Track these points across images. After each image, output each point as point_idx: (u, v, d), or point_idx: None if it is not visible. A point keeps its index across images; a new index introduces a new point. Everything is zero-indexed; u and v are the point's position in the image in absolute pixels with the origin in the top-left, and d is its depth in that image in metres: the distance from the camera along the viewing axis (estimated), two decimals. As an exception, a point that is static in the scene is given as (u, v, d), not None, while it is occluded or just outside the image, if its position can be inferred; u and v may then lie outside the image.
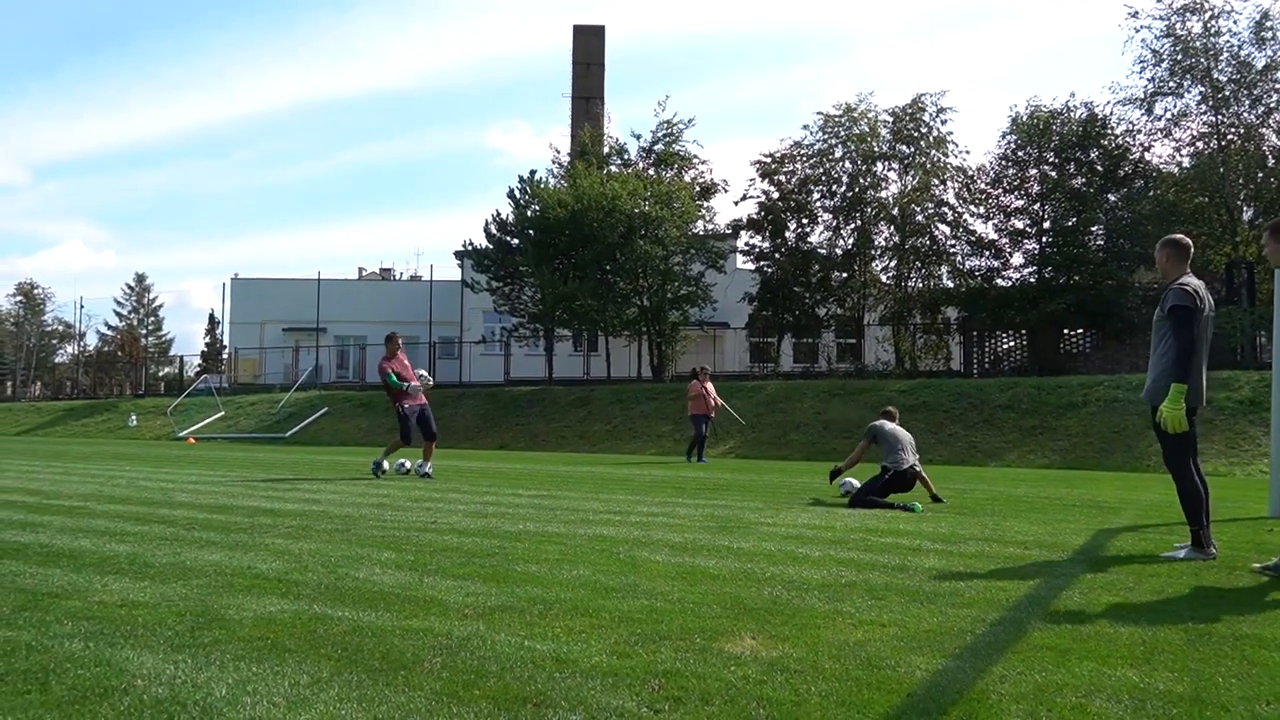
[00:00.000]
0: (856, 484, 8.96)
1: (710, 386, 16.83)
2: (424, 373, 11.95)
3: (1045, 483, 12.00)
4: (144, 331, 64.45)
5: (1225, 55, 24.45)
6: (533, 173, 31.13)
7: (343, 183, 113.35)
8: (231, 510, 7.66)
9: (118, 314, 65.12)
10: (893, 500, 8.18)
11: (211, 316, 64.38)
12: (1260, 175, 24.71)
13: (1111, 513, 8.02)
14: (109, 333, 63.73)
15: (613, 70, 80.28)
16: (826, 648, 3.30)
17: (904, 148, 29.53)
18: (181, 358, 50.51)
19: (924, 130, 29.37)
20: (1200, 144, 25.56)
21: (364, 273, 50.52)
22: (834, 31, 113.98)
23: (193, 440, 27.53)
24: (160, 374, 59.02)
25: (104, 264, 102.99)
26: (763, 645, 3.33)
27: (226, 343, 47.25)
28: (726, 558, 5.29)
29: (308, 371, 37.62)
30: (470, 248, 32.12)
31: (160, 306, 68.38)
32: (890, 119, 29.42)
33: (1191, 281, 5.46)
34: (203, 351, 60.35)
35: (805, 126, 32.48)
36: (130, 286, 65.92)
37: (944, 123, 29.39)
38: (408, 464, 12.12)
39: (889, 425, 8.72)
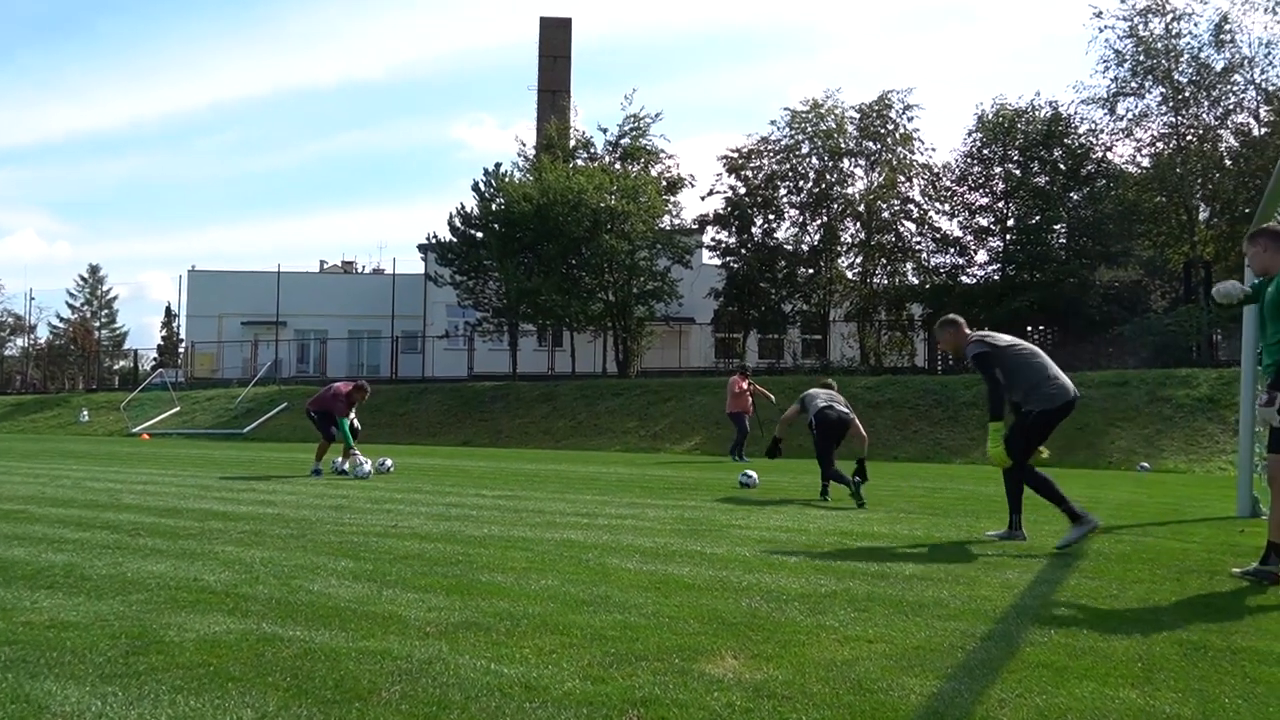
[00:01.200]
0: (755, 475, 10.16)
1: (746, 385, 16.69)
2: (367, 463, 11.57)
3: (1013, 481, 11.97)
4: (97, 324, 62.75)
5: (1185, 57, 24.82)
6: (498, 166, 30.63)
7: (305, 174, 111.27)
8: (181, 514, 7.32)
9: (70, 305, 63.23)
10: (844, 473, 8.47)
11: (168, 309, 63.03)
12: (1217, 176, 25.11)
13: (1084, 513, 7.94)
14: (61, 325, 61.98)
15: (580, 64, 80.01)
16: (813, 668, 3.10)
17: (870, 144, 29.60)
18: (136, 351, 49.44)
19: (890, 127, 29.47)
20: (1160, 144, 25.93)
21: (325, 265, 49.67)
22: (803, 29, 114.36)
23: (146, 436, 26.78)
24: (114, 368, 57.62)
25: (57, 255, 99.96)
26: (745, 666, 3.13)
27: (183, 336, 46.20)
28: (700, 564, 5.10)
29: (266, 366, 36.87)
30: (434, 241, 31.58)
31: (115, 299, 66.37)
32: (857, 115, 29.48)
33: (976, 334, 6.34)
34: (159, 345, 59.04)
35: (773, 122, 32.56)
36: (84, 278, 64.07)
37: (910, 120, 29.58)
38: (367, 465, 11.73)
39: (813, 389, 9.15)
